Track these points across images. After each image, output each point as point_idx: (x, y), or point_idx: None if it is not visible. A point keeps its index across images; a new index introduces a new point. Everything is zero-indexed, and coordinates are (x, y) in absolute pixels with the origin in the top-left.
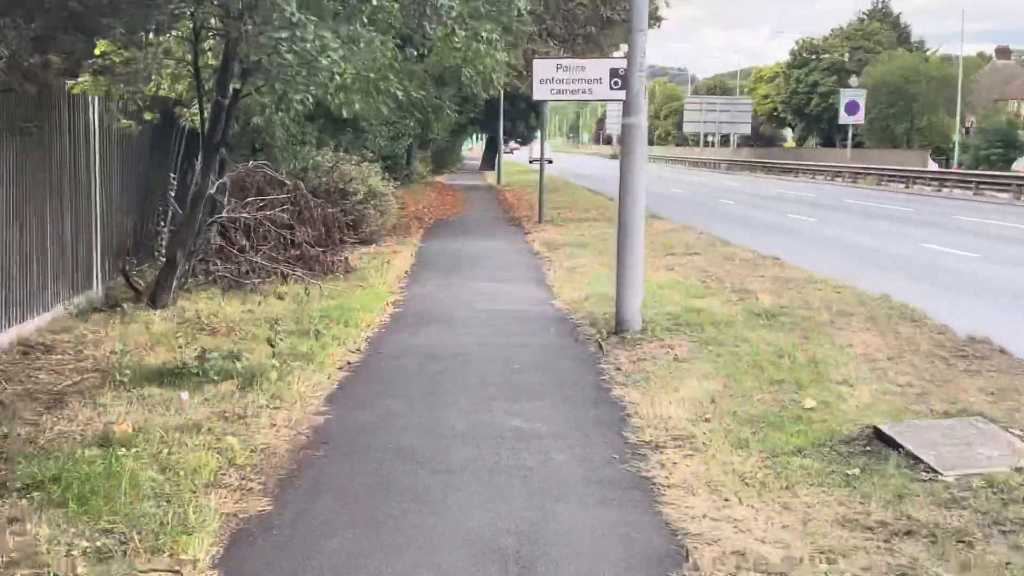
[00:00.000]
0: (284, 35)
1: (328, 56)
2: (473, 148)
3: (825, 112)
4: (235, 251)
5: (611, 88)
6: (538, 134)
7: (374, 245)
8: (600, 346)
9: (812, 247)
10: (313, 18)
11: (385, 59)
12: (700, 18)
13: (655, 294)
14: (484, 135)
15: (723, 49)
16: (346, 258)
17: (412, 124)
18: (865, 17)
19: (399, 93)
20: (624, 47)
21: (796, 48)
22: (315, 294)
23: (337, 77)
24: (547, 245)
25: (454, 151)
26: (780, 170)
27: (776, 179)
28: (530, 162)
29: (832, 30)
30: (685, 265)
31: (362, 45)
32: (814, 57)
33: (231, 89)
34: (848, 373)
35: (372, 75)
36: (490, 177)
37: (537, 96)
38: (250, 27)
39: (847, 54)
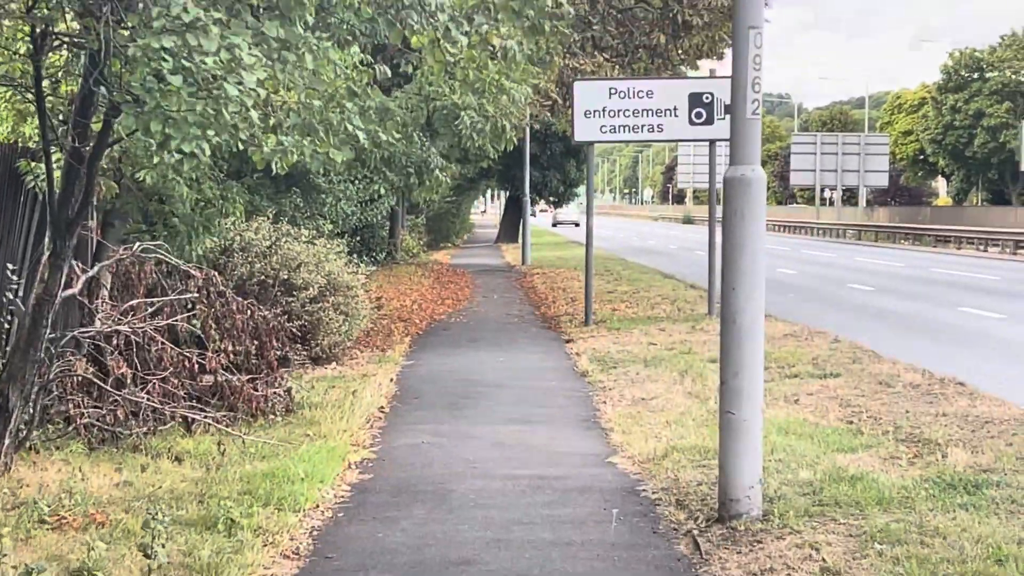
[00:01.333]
0: (168, 43)
1: (240, 78)
2: (485, 209)
3: (995, 155)
4: (110, 384)
5: (692, 122)
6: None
7: (334, 365)
8: (696, 545)
9: (1010, 362)
10: (218, 15)
11: (341, 80)
12: (808, 24)
13: (777, 445)
14: (502, 191)
15: (843, 66)
16: (288, 389)
17: (382, 188)
18: None
19: (360, 134)
20: (707, 64)
21: (950, 63)
22: (234, 452)
23: (252, 113)
24: (600, 362)
25: (459, 216)
26: (934, 239)
27: (930, 252)
28: (553, 225)
29: (1002, 38)
30: (819, 394)
31: (308, 61)
32: (976, 76)
33: (93, 132)
34: None
35: (317, 102)
36: (511, 253)
37: (580, 136)
38: (124, 32)
39: None
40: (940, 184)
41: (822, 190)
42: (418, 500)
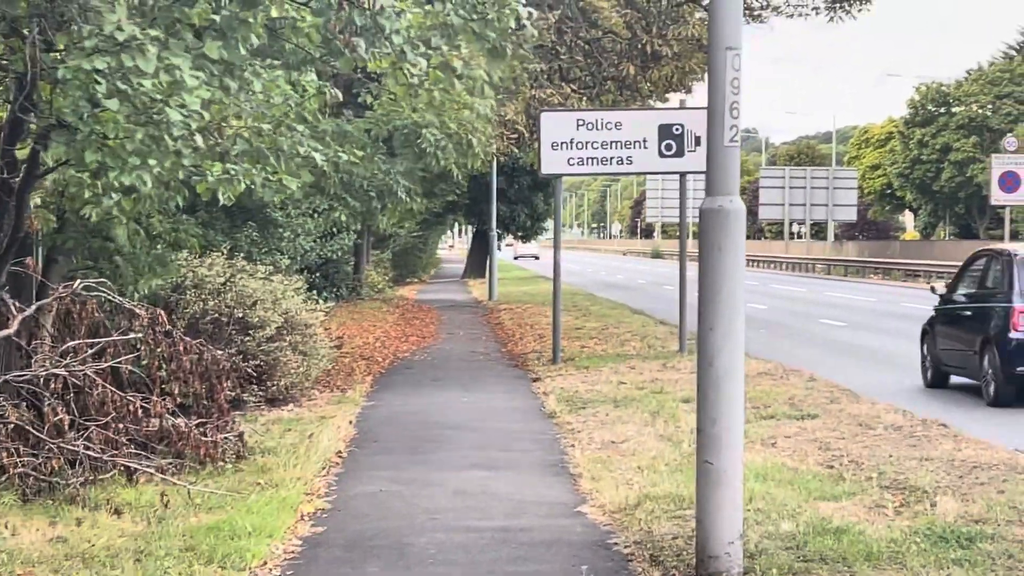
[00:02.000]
0: (101, 64)
1: (182, 100)
2: (452, 244)
3: (962, 188)
4: (47, 431)
5: (662, 154)
6: (549, 224)
7: (291, 406)
8: None
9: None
10: (156, 33)
11: (290, 106)
12: (776, 59)
13: (755, 492)
14: (469, 225)
15: (809, 101)
16: (240, 434)
17: (342, 215)
18: (1014, 53)
19: (317, 155)
20: (677, 98)
21: (917, 98)
22: (179, 503)
23: (198, 138)
24: (568, 402)
25: (425, 251)
26: (903, 273)
27: (901, 286)
28: (515, 258)
29: (968, 72)
30: (797, 437)
31: (255, 85)
32: (943, 111)
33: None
34: None
35: (266, 126)
36: (478, 288)
37: (547, 169)
38: (55, 54)
39: (991, 105)
40: (908, 218)
41: (791, 224)
42: (373, 556)
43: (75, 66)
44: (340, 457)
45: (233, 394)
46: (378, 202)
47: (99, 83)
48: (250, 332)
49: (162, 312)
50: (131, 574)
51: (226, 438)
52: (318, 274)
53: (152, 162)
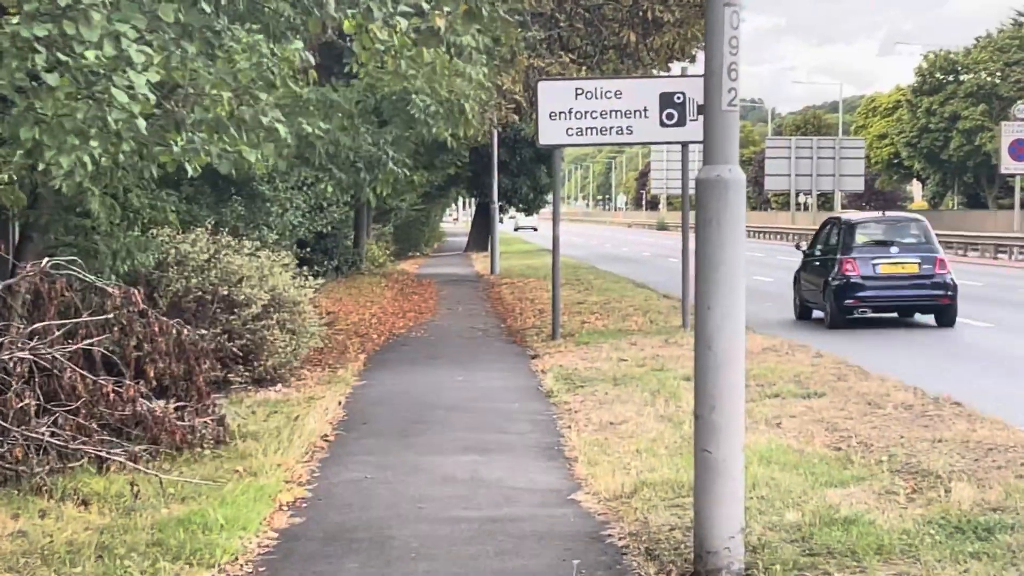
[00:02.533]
0: (41, 32)
1: (129, 81)
2: (457, 217)
3: (970, 158)
4: (12, 417)
5: (663, 124)
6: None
7: (279, 387)
8: None
9: (1005, 376)
10: None
11: (262, 68)
12: (781, 28)
13: (759, 478)
14: (472, 199)
15: (815, 71)
16: (221, 417)
17: (328, 186)
18: (1022, 19)
19: (280, 127)
20: (679, 67)
21: (924, 66)
22: (150, 492)
23: (139, 122)
24: (566, 380)
25: (428, 224)
26: None
27: None
28: (515, 230)
29: (977, 39)
30: (802, 416)
31: (217, 48)
32: (951, 79)
33: None
34: None
35: (227, 94)
36: (480, 262)
37: (545, 140)
38: None
39: (1000, 73)
40: (915, 188)
41: (797, 195)
42: (352, 550)
43: (13, 32)
44: (326, 441)
45: (218, 375)
46: (366, 173)
47: (39, 52)
48: (235, 310)
49: (136, 291)
50: (90, 572)
51: (205, 423)
52: (313, 249)
53: (94, 143)
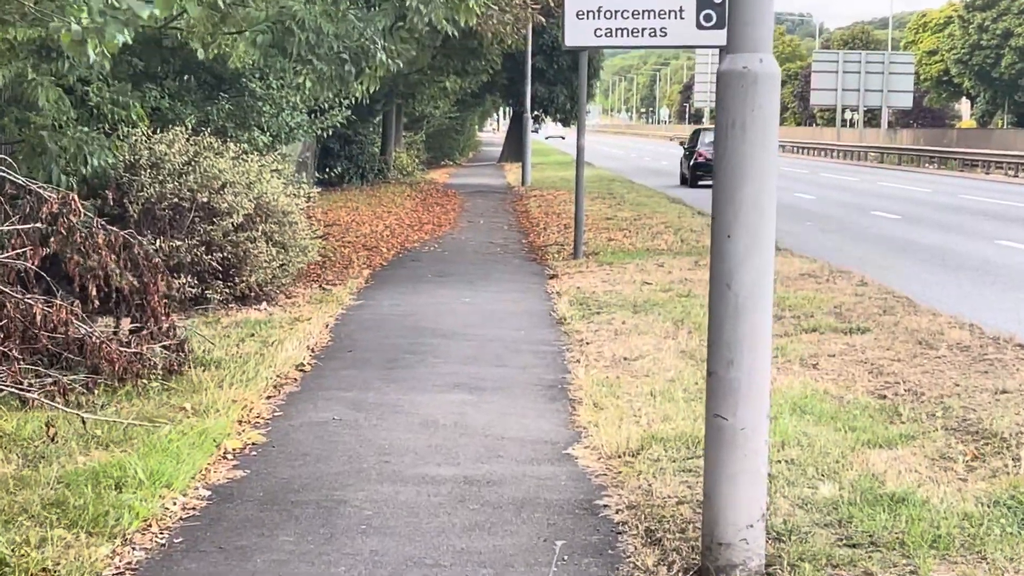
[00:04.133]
0: None
1: None
2: (496, 127)
3: (1022, 75)
4: None
5: (700, 25)
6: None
7: (264, 305)
8: None
9: None
10: None
11: None
12: None
13: (789, 433)
14: (508, 107)
15: None
16: (180, 343)
17: (307, 80)
18: None
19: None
20: None
21: None
22: (72, 435)
23: None
24: (582, 305)
25: (462, 133)
26: (960, 163)
27: (958, 177)
28: (545, 139)
29: None
30: (843, 356)
31: None
32: None
33: None
34: None
35: None
36: (513, 173)
37: (571, 41)
38: None
39: None
40: (963, 106)
41: (843, 111)
42: (293, 518)
43: None
44: (301, 372)
45: (194, 291)
46: (352, 66)
47: None
48: (216, 219)
49: (75, 196)
50: None
51: (154, 348)
52: (337, 156)
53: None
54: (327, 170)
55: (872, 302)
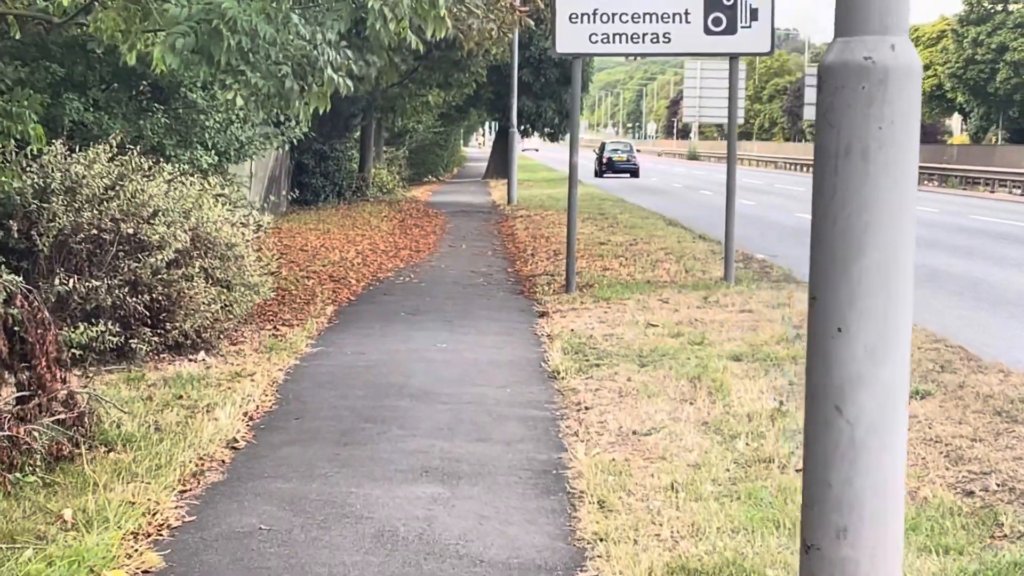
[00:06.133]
0: None
1: None
2: (482, 142)
3: (1017, 91)
4: None
5: (708, 30)
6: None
7: (202, 355)
8: None
9: None
10: None
11: None
12: None
13: None
14: (494, 122)
15: None
16: (81, 414)
17: (237, 96)
18: None
19: None
20: None
21: None
22: None
23: None
24: (578, 353)
25: (446, 148)
26: (961, 180)
27: (961, 195)
28: (523, 151)
29: None
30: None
31: None
32: (1000, 8)
33: None
34: None
35: None
36: (498, 190)
37: (563, 47)
38: None
39: None
40: (954, 122)
41: None
42: None
43: None
44: (233, 450)
45: (116, 341)
46: (293, 81)
47: None
48: (143, 255)
49: None
50: None
51: (36, 430)
52: (312, 173)
53: None
54: (299, 188)
55: (923, 353)
